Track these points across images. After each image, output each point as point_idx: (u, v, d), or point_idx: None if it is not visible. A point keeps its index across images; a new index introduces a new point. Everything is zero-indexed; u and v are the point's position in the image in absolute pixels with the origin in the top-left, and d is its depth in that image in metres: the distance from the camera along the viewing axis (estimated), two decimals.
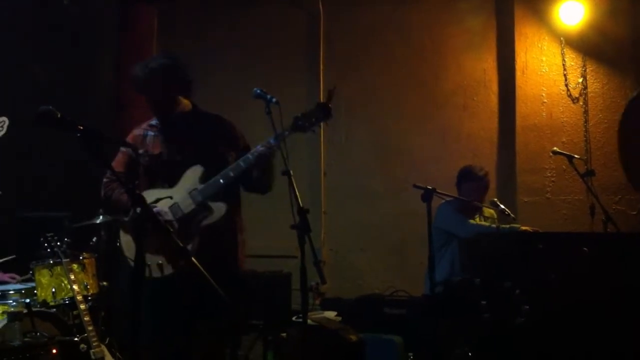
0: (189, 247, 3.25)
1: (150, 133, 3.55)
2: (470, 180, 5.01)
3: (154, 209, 3.26)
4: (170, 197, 3.35)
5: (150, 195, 3.28)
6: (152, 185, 3.45)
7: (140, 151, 3.45)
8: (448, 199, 4.68)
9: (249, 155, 3.30)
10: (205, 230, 3.35)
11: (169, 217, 3.32)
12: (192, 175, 3.39)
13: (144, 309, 3.27)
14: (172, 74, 3.47)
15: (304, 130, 3.29)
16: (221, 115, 3.64)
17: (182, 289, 3.26)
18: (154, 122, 3.59)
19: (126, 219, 3.46)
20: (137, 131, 3.59)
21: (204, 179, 3.36)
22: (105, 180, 3.61)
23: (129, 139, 3.57)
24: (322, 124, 3.37)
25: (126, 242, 3.48)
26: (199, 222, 3.34)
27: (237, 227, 3.54)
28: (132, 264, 3.26)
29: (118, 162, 3.56)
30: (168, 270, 3.28)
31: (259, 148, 3.30)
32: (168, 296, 3.32)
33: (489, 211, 5.13)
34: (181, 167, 3.42)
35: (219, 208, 3.36)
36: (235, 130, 3.58)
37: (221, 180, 3.30)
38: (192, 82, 3.57)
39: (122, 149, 3.57)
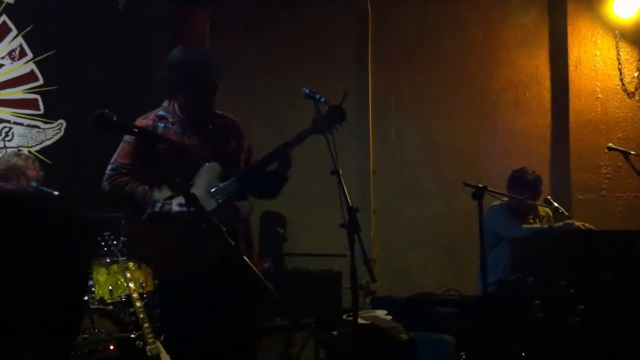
0: (211, 246, 3.21)
1: (160, 124, 3.36)
2: (520, 184, 4.91)
3: (172, 206, 3.21)
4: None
5: (162, 193, 3.25)
6: (165, 180, 3.26)
7: (159, 145, 3.26)
8: (499, 197, 4.62)
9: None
10: (228, 229, 3.33)
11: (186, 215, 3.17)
12: (210, 172, 3.30)
13: (175, 305, 3.32)
14: (220, 70, 3.44)
15: (323, 132, 3.18)
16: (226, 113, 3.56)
17: (212, 285, 3.20)
18: (162, 112, 3.40)
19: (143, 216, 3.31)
20: (144, 122, 3.35)
21: (222, 176, 3.30)
22: (110, 172, 3.32)
23: None
24: (340, 125, 3.29)
25: (139, 240, 3.43)
26: (223, 221, 3.31)
27: (251, 226, 3.51)
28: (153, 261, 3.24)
29: (124, 154, 3.33)
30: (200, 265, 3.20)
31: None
32: (199, 292, 3.24)
33: (544, 210, 5.05)
34: (198, 163, 3.31)
35: (245, 207, 3.31)
36: (241, 130, 3.50)
37: (241, 178, 3.26)
38: None
39: (127, 138, 3.32)
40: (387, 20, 6.40)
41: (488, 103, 6.13)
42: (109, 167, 3.34)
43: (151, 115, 3.40)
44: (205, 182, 3.29)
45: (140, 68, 6.13)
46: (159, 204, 3.23)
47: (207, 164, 3.30)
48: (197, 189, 3.23)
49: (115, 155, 3.36)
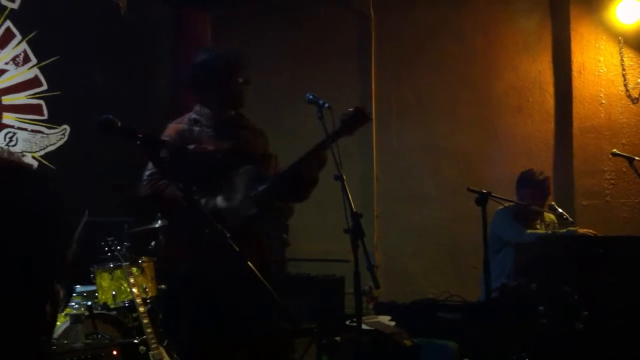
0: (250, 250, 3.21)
1: (196, 128, 3.37)
2: (529, 185, 4.93)
3: (216, 201, 3.22)
4: (226, 198, 3.27)
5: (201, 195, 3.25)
6: (200, 184, 3.28)
7: (191, 147, 3.31)
8: (503, 202, 4.62)
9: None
10: (263, 233, 3.32)
11: (231, 219, 3.21)
12: (246, 176, 3.30)
13: (197, 309, 3.31)
14: (247, 69, 3.44)
15: (349, 133, 3.23)
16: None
17: (232, 291, 3.16)
18: (195, 116, 3.41)
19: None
20: (179, 126, 3.39)
21: (259, 180, 3.28)
22: (149, 177, 3.30)
23: (170, 132, 3.37)
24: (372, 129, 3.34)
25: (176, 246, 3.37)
26: (266, 224, 3.32)
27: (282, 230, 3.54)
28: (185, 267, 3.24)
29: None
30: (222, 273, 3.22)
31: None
32: (221, 299, 3.22)
33: (549, 216, 5.05)
34: (233, 166, 3.31)
35: (286, 208, 3.34)
36: (265, 136, 3.54)
37: (280, 180, 3.24)
38: None
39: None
40: (389, 26, 6.41)
41: (490, 108, 6.13)
42: (147, 172, 3.32)
43: (185, 119, 3.42)
44: (244, 187, 3.27)
45: (143, 73, 6.16)
46: (203, 200, 3.22)
47: (242, 168, 3.30)
48: (238, 194, 3.24)
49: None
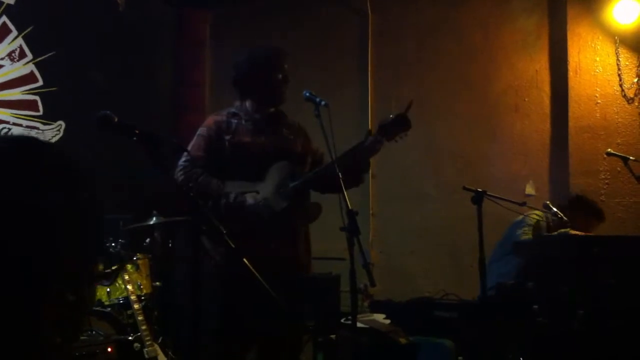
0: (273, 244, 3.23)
1: (234, 121, 3.43)
2: (586, 213, 4.97)
3: (245, 199, 3.24)
4: (257, 192, 3.29)
5: (233, 187, 3.28)
6: (233, 176, 3.34)
7: (227, 137, 3.36)
8: (498, 201, 4.62)
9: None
10: (295, 229, 3.36)
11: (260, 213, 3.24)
12: (279, 172, 3.32)
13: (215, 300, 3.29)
14: (286, 66, 3.50)
15: (388, 139, 3.28)
16: None
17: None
18: (234, 110, 3.49)
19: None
20: (218, 117, 3.46)
21: (291, 176, 3.31)
22: (184, 163, 3.37)
23: (208, 123, 3.44)
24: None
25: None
26: (293, 221, 3.32)
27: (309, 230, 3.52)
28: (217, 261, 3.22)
29: (197, 147, 3.41)
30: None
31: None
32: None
33: (537, 215, 5.08)
34: (268, 160, 3.34)
35: (315, 209, 3.33)
36: (307, 133, 3.57)
37: (310, 179, 3.26)
38: None
39: (201, 132, 3.44)
40: (388, 24, 6.40)
41: (488, 107, 6.13)
42: (183, 159, 3.39)
43: (224, 112, 3.50)
44: (275, 181, 3.30)
45: (140, 69, 6.14)
46: (232, 195, 3.27)
47: (276, 163, 3.33)
48: (267, 188, 3.28)
49: (189, 147, 3.42)
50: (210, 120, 3.48)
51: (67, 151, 1.07)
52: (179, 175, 3.35)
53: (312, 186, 3.35)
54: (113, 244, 4.49)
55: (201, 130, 3.45)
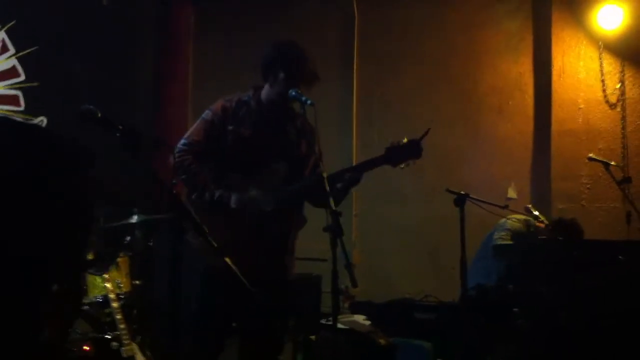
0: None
1: (242, 110, 3.34)
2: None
3: (230, 200, 3.19)
4: (249, 189, 3.24)
5: (224, 181, 3.24)
6: (229, 168, 3.28)
7: (230, 127, 3.29)
8: (480, 204, 4.64)
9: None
10: (283, 231, 3.31)
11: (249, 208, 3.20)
12: (275, 173, 3.27)
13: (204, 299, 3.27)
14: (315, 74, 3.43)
15: (393, 164, 3.22)
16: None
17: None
18: (245, 98, 3.38)
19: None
20: (226, 103, 3.35)
21: (287, 179, 3.27)
22: (182, 147, 3.30)
23: (217, 106, 3.35)
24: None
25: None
26: (281, 225, 3.28)
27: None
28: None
29: (198, 131, 3.32)
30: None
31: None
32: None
33: (518, 219, 5.11)
34: (267, 158, 3.28)
35: (301, 219, 3.29)
36: (315, 134, 3.36)
37: (303, 188, 3.21)
38: None
39: (205, 116, 3.34)
40: (372, 22, 6.40)
41: (472, 107, 6.15)
42: (182, 142, 3.32)
43: (235, 97, 3.39)
44: (269, 182, 3.25)
45: (123, 64, 6.08)
46: (217, 193, 3.22)
47: (274, 163, 3.28)
48: (260, 186, 3.22)
49: (191, 130, 3.36)
50: (218, 105, 3.36)
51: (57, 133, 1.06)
52: (175, 157, 3.28)
53: (302, 197, 3.27)
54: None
55: (206, 114, 3.35)
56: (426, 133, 3.21)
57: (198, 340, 3.30)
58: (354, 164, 6.23)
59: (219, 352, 3.35)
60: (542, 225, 4.84)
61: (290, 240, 3.39)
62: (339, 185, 3.23)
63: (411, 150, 3.22)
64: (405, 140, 3.23)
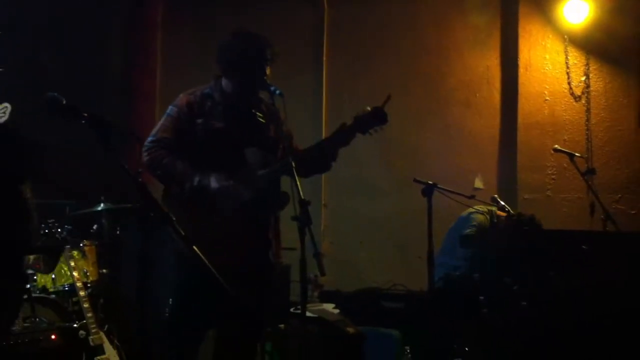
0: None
1: (208, 103, 3.31)
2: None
3: (209, 181, 3.18)
4: (229, 178, 3.21)
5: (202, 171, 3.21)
6: (205, 162, 3.24)
7: (199, 121, 3.26)
8: (448, 194, 4.69)
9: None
10: (264, 217, 3.31)
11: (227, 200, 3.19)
12: (250, 159, 3.25)
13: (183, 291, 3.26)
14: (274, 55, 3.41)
15: (362, 131, 3.27)
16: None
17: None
18: (208, 91, 3.35)
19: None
20: (190, 97, 3.32)
21: (262, 163, 3.25)
22: (150, 144, 3.27)
23: (181, 102, 3.31)
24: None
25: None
26: (263, 209, 3.27)
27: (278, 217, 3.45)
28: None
29: (165, 128, 3.29)
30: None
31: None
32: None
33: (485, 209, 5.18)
34: (241, 147, 3.26)
35: (284, 199, 3.23)
36: (280, 115, 3.38)
37: (288, 163, 3.13)
38: None
39: (170, 112, 3.31)
40: (342, 18, 6.41)
41: (440, 102, 6.20)
42: (149, 139, 3.28)
43: (197, 91, 3.35)
44: (244, 170, 3.23)
45: (89, 53, 6.01)
46: (197, 178, 3.18)
47: (246, 149, 3.25)
48: (235, 177, 3.20)
49: (157, 127, 3.31)
50: (182, 100, 3.33)
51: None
52: (144, 155, 3.26)
53: (282, 174, 3.28)
54: (59, 230, 4.40)
55: (171, 109, 3.32)
56: (388, 99, 3.27)
57: (175, 333, 3.28)
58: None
59: (199, 343, 3.35)
60: (504, 214, 4.91)
61: (272, 224, 3.38)
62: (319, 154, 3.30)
63: (377, 117, 3.28)
64: (369, 108, 3.27)
